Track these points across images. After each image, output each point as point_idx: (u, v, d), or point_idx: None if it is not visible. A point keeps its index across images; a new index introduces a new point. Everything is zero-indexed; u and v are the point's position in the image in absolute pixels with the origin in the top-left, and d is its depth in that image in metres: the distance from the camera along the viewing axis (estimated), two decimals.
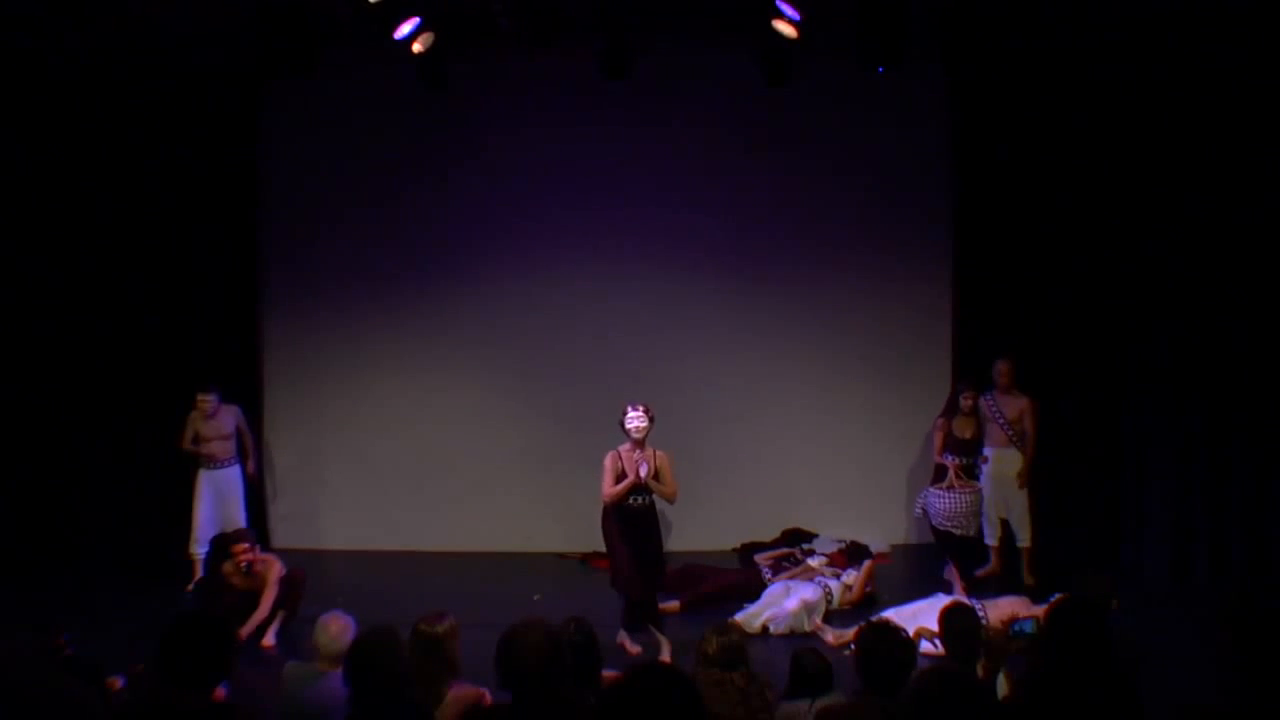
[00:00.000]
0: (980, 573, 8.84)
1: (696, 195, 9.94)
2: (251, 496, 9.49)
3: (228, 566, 7.83)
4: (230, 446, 9.10)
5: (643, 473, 7.25)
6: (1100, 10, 8.38)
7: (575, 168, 9.99)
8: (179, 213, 9.66)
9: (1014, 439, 8.91)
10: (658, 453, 7.42)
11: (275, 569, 7.85)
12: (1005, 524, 9.06)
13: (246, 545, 7.79)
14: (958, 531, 8.51)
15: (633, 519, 7.36)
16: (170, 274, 9.68)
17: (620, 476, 7.31)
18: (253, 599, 7.73)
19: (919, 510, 8.84)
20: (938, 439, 8.74)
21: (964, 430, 8.58)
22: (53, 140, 9.51)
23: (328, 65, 8.27)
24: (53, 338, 9.62)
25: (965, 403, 8.60)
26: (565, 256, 10.02)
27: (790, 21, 7.76)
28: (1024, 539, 8.99)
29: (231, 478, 9.13)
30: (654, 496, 7.42)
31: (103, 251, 9.63)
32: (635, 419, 7.34)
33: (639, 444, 7.35)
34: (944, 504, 8.49)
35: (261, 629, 7.73)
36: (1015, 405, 8.94)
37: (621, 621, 7.51)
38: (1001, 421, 8.92)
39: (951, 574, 8.64)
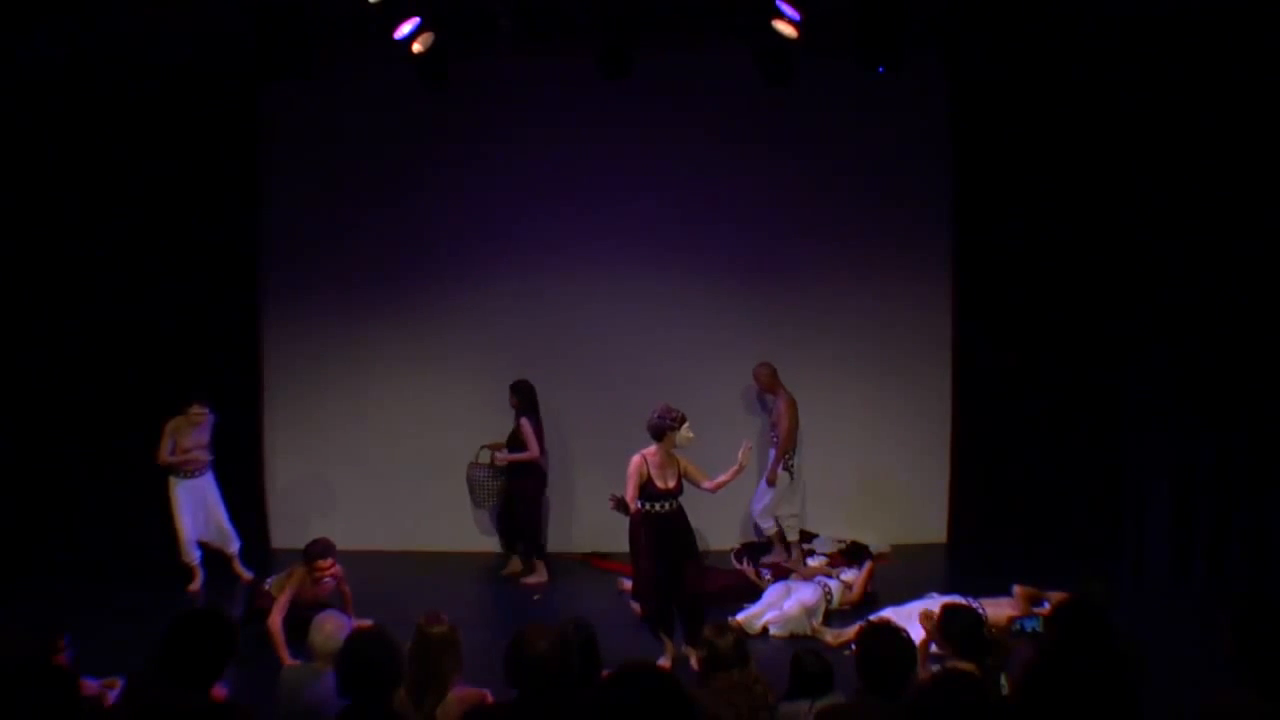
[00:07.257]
0: (768, 560, 9.40)
1: (696, 195, 9.94)
2: (246, 499, 9.56)
3: (303, 573, 7.43)
4: (207, 455, 9.13)
5: (661, 484, 7.07)
6: (1100, 9, 8.38)
7: (575, 168, 9.98)
8: (179, 213, 9.65)
9: (774, 441, 9.36)
10: (680, 460, 7.27)
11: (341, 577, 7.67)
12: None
13: (332, 560, 7.47)
14: None
15: (661, 524, 7.17)
16: (170, 274, 9.67)
17: (646, 481, 7.10)
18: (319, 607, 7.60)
19: None
20: None
21: None
22: (52, 141, 9.49)
23: (328, 65, 8.28)
24: (52, 338, 9.62)
25: None
26: (565, 257, 10.02)
27: (790, 21, 7.76)
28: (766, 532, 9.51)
29: (208, 485, 9.14)
30: (680, 499, 7.23)
31: (102, 253, 9.62)
32: (688, 426, 7.13)
33: (666, 451, 7.13)
34: None
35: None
36: (776, 407, 9.35)
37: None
38: (769, 423, 9.45)
39: None
